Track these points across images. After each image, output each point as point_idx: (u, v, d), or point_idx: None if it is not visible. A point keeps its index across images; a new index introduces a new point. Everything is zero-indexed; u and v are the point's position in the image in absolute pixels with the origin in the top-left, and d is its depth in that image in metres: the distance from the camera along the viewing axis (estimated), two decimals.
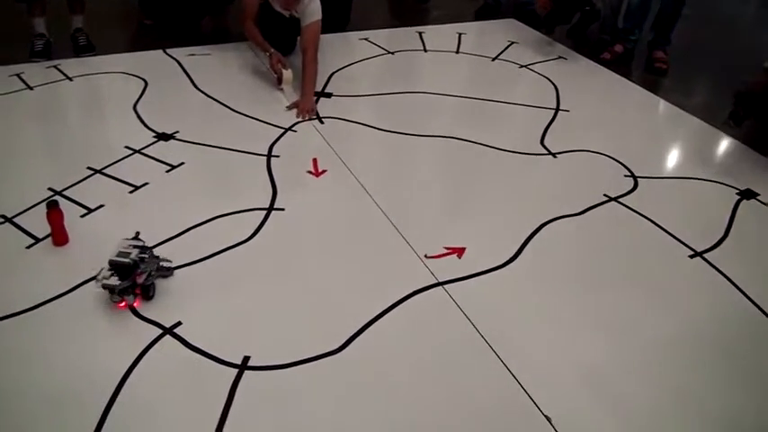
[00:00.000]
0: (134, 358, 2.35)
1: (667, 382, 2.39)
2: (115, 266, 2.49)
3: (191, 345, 2.41)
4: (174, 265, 2.70)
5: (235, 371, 2.32)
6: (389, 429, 2.16)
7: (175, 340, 2.43)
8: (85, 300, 2.58)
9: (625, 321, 2.63)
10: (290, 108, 4.03)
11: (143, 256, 2.53)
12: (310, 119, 3.94)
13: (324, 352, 2.41)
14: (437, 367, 2.39)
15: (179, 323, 2.49)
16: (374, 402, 2.25)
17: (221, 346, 2.40)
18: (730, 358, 2.51)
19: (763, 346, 2.59)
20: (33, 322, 2.48)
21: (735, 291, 2.83)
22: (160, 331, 2.46)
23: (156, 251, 2.65)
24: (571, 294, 2.74)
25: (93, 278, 2.51)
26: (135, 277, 2.49)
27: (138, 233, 2.65)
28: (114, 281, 2.46)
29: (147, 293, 2.56)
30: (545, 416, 2.23)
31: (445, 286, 2.71)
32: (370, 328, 2.51)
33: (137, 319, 2.51)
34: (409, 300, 2.64)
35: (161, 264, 2.63)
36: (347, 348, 2.43)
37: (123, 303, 2.51)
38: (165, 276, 2.67)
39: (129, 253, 2.50)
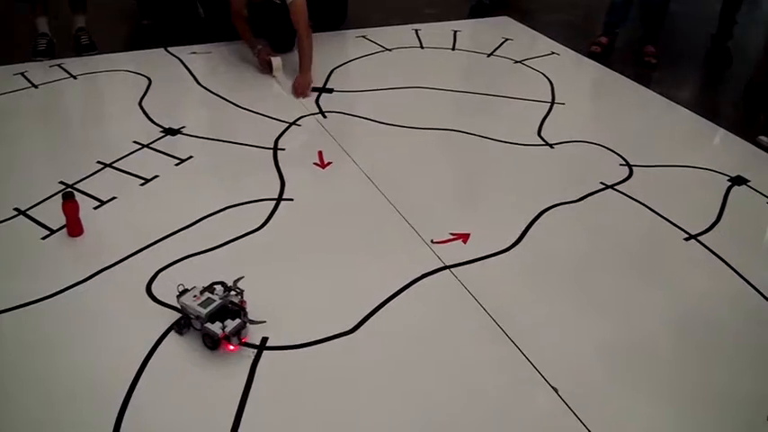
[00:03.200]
0: (154, 342, 2.43)
1: (666, 358, 2.49)
2: (214, 315, 2.34)
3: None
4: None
5: (254, 351, 2.40)
6: (402, 406, 2.25)
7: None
8: (103, 287, 2.66)
9: (625, 301, 2.73)
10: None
11: (221, 295, 2.42)
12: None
13: (338, 332, 2.49)
14: (447, 345, 2.48)
15: None
16: (387, 380, 2.34)
17: None
18: (727, 335, 2.62)
19: (757, 324, 2.69)
20: (52, 311, 2.55)
21: (729, 270, 2.94)
22: (179, 315, 2.53)
23: (172, 241, 2.73)
24: (573, 276, 2.84)
25: (206, 342, 2.37)
26: (241, 306, 2.41)
27: (181, 285, 2.47)
28: (232, 322, 2.32)
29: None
30: (552, 387, 2.32)
31: (452, 269, 2.81)
32: (381, 309, 2.60)
33: (154, 304, 2.59)
34: (418, 282, 2.74)
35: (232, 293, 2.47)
36: (360, 329, 2.52)
37: (236, 347, 2.37)
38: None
39: (209, 297, 2.39)
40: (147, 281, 2.69)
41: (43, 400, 2.21)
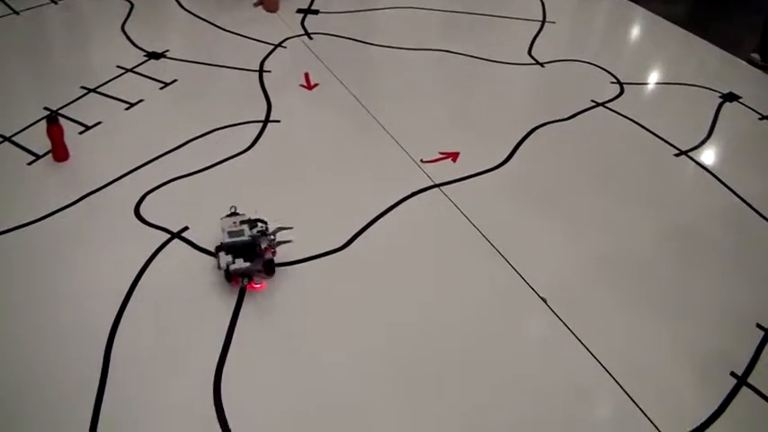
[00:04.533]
0: (143, 262, 2.43)
1: (657, 269, 2.52)
2: (232, 248, 2.32)
3: (199, 247, 2.49)
4: (293, 228, 2.45)
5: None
6: (396, 315, 2.29)
7: (184, 244, 2.51)
8: (91, 211, 2.65)
9: (614, 217, 2.74)
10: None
11: (260, 229, 2.37)
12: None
13: (329, 250, 2.50)
14: (437, 260, 2.50)
15: (186, 228, 2.56)
16: (379, 294, 2.36)
17: None
18: (716, 248, 2.64)
19: (746, 236, 2.71)
20: (40, 235, 2.55)
21: (719, 185, 2.94)
22: (168, 236, 2.53)
23: (159, 164, 2.71)
24: (561, 193, 2.84)
25: (217, 266, 2.31)
26: (263, 253, 2.32)
27: (233, 207, 2.51)
28: (242, 263, 2.27)
29: (272, 268, 2.36)
30: (541, 297, 2.35)
31: (442, 188, 2.80)
32: (372, 226, 2.61)
33: (144, 225, 2.58)
34: (408, 200, 2.74)
35: (278, 232, 2.41)
36: (352, 245, 2.53)
37: (253, 284, 2.32)
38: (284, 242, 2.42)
39: (242, 230, 2.36)
40: (135, 203, 2.67)
41: (32, 323, 2.22)
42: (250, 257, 2.30)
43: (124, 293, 2.32)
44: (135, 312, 2.26)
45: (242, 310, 2.28)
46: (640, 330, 2.29)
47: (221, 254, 2.31)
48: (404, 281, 2.41)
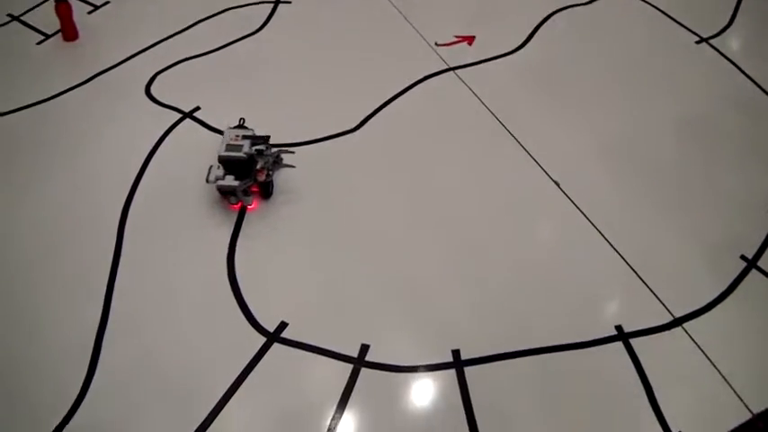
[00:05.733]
0: (155, 141, 2.44)
1: (672, 156, 2.49)
2: (228, 162, 2.18)
3: (211, 127, 2.48)
4: (295, 152, 2.34)
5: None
6: (407, 197, 2.31)
7: (196, 123, 2.50)
8: (101, 90, 2.63)
9: (630, 103, 2.68)
10: None
11: (259, 148, 2.20)
12: None
13: (342, 131, 2.49)
14: (451, 141, 2.48)
15: (198, 108, 2.54)
16: (392, 173, 2.37)
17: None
18: (732, 137, 2.59)
19: (763, 124, 2.66)
20: (51, 114, 2.54)
21: (738, 73, 2.86)
22: (179, 115, 2.52)
23: (169, 44, 2.66)
24: (578, 79, 2.77)
25: (206, 179, 2.18)
26: (255, 175, 2.17)
27: (242, 120, 2.38)
28: (231, 181, 2.15)
29: (267, 191, 2.27)
30: (554, 181, 2.34)
31: (456, 71, 2.74)
32: (384, 109, 2.58)
33: (155, 105, 2.56)
34: (422, 83, 2.69)
35: (281, 154, 2.28)
36: (364, 127, 2.51)
37: (239, 204, 2.24)
38: (285, 166, 2.31)
39: (241, 146, 2.19)
40: (146, 83, 2.64)
41: (48, 196, 2.25)
42: (244, 176, 2.17)
43: (136, 172, 2.33)
44: (147, 191, 2.28)
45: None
46: (652, 216, 2.28)
47: (212, 167, 2.17)
48: (417, 163, 2.40)
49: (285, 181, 2.25)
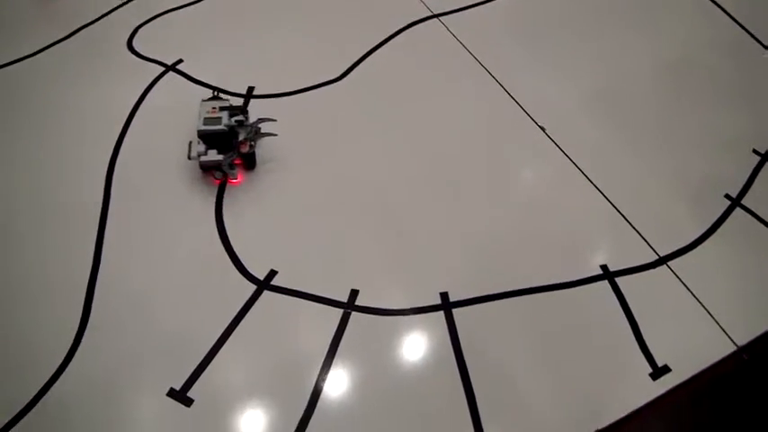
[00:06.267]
0: (139, 95, 2.41)
1: (656, 99, 2.49)
2: (208, 136, 2.11)
3: (195, 79, 2.46)
4: (277, 121, 2.23)
5: (241, 100, 2.39)
6: (393, 140, 2.31)
7: (179, 76, 2.48)
8: (83, 45, 2.59)
9: (615, 48, 2.67)
10: None
11: (239, 119, 2.14)
12: None
13: (326, 80, 2.47)
14: (435, 88, 2.47)
15: (180, 60, 2.52)
16: (378, 121, 2.36)
17: (226, 78, 2.44)
18: (716, 79, 2.59)
19: (746, 64, 2.66)
20: (34, 70, 2.51)
21: (722, 14, 2.85)
22: (162, 69, 2.50)
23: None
24: (563, 25, 2.75)
25: (188, 155, 2.11)
26: (238, 147, 2.11)
27: (216, 91, 2.30)
28: (215, 155, 2.10)
29: (251, 162, 2.20)
30: (539, 126, 2.35)
31: (440, 18, 2.72)
32: (368, 57, 2.56)
33: (137, 58, 2.53)
34: (406, 31, 2.66)
35: (260, 124, 2.19)
36: (348, 76, 2.50)
37: (219, 180, 2.16)
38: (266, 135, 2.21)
39: (219, 118, 2.11)
40: (127, 37, 2.61)
41: (32, 155, 2.24)
42: (225, 149, 2.11)
43: (121, 127, 2.32)
44: (133, 145, 2.27)
45: None
46: (636, 158, 2.30)
47: (192, 143, 2.11)
48: (403, 111, 2.39)
49: (271, 140, 2.23)
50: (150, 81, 2.46)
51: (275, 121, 2.19)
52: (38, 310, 1.92)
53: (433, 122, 2.36)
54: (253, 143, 2.11)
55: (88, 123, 2.33)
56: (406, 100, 2.43)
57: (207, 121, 2.09)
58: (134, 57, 2.54)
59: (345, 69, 2.51)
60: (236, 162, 2.12)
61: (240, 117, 2.10)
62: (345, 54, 2.56)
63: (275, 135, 2.19)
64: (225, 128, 2.08)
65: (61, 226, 2.07)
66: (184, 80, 2.46)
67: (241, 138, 2.07)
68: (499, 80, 2.48)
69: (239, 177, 2.14)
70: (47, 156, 2.24)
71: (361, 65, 2.53)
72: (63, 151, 2.25)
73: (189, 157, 2.07)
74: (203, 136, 2.09)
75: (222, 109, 2.12)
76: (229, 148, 2.09)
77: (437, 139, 2.32)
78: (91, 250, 2.02)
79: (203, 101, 2.17)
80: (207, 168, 2.12)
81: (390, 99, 2.43)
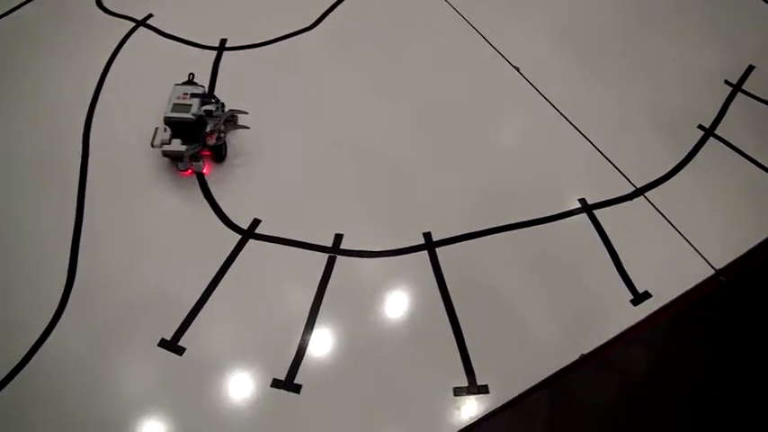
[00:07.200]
0: (111, 53, 2.39)
1: (628, 35, 2.50)
2: (174, 124, 1.98)
3: (166, 33, 2.44)
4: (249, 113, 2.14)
5: (213, 53, 2.38)
6: (372, 86, 2.32)
7: (150, 31, 2.45)
8: (51, 6, 2.55)
9: None
10: None
11: (209, 108, 1.99)
12: None
13: (298, 29, 2.46)
14: (412, 34, 2.47)
15: (150, 15, 2.50)
16: (352, 67, 2.36)
17: (197, 31, 2.43)
18: (687, 13, 2.59)
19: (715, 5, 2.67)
20: (4, 31, 2.48)
21: None
22: (132, 24, 2.47)
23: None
24: None
25: (151, 143, 1.99)
26: (204, 139, 1.99)
27: (192, 75, 2.17)
28: (178, 146, 1.96)
29: (220, 154, 2.09)
30: (514, 66, 2.36)
31: None
32: (341, 4, 2.54)
33: (105, 14, 2.51)
34: None
35: (232, 115, 2.08)
36: (320, 24, 2.48)
37: (189, 171, 2.05)
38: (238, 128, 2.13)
39: (189, 105, 1.97)
40: None
41: (8, 113, 2.23)
42: (191, 139, 1.99)
43: (94, 86, 2.30)
44: (108, 102, 2.26)
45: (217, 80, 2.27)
46: (609, 93, 2.32)
47: (158, 129, 1.99)
48: (379, 58, 2.39)
49: (250, 92, 2.22)
50: (121, 38, 2.43)
51: (247, 113, 2.11)
52: (24, 267, 1.92)
53: (408, 68, 2.37)
54: (222, 135, 2.02)
55: (62, 83, 2.31)
56: (382, 47, 2.43)
57: (176, 107, 1.97)
58: (104, 13, 2.51)
59: (318, 17, 2.50)
60: (204, 153, 2.04)
61: (210, 107, 1.98)
62: (318, 1, 2.54)
63: (248, 128, 2.11)
64: (192, 117, 1.96)
65: (41, 184, 2.06)
66: (155, 35, 2.43)
67: (209, 129, 1.97)
68: (472, 23, 2.48)
69: (206, 169, 2.06)
70: (21, 117, 2.22)
71: (334, 11, 2.52)
72: (38, 112, 2.23)
73: (152, 145, 1.96)
74: (170, 123, 1.97)
75: (194, 96, 2.00)
76: (196, 139, 1.98)
77: (414, 85, 2.32)
78: (73, 208, 2.01)
79: (176, 85, 2.05)
80: (171, 158, 2.03)
81: (365, 46, 2.43)
